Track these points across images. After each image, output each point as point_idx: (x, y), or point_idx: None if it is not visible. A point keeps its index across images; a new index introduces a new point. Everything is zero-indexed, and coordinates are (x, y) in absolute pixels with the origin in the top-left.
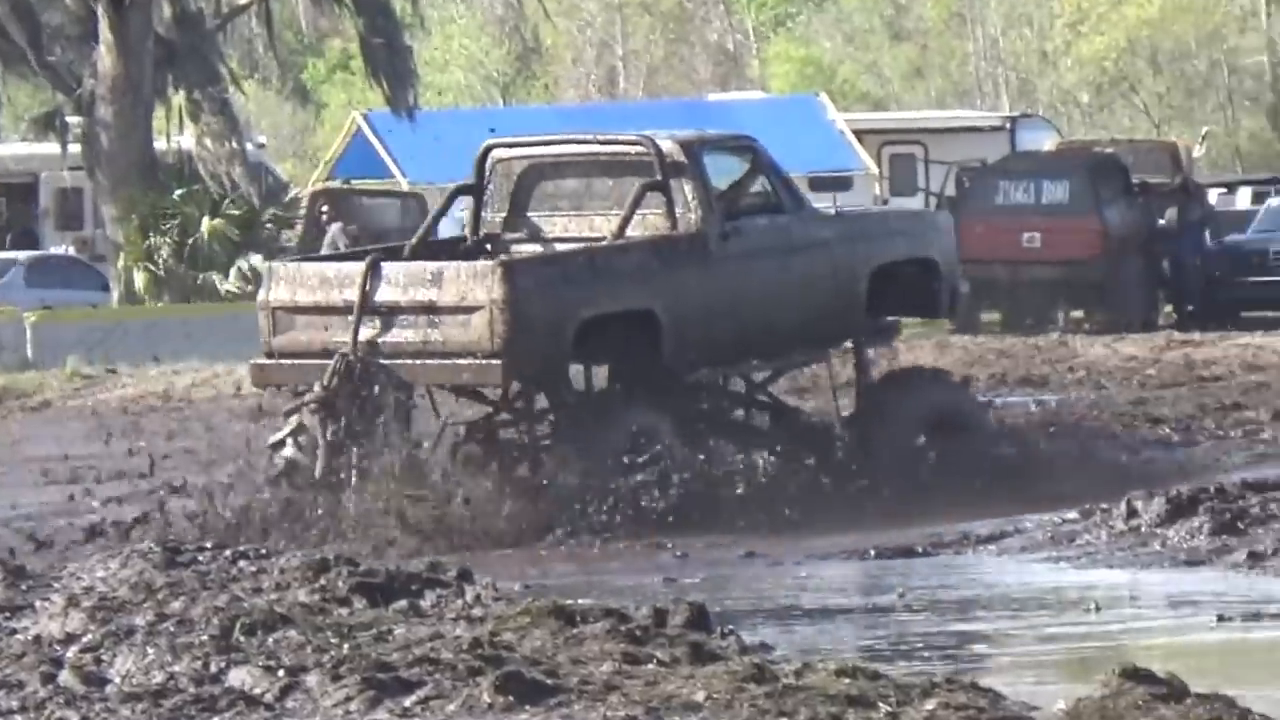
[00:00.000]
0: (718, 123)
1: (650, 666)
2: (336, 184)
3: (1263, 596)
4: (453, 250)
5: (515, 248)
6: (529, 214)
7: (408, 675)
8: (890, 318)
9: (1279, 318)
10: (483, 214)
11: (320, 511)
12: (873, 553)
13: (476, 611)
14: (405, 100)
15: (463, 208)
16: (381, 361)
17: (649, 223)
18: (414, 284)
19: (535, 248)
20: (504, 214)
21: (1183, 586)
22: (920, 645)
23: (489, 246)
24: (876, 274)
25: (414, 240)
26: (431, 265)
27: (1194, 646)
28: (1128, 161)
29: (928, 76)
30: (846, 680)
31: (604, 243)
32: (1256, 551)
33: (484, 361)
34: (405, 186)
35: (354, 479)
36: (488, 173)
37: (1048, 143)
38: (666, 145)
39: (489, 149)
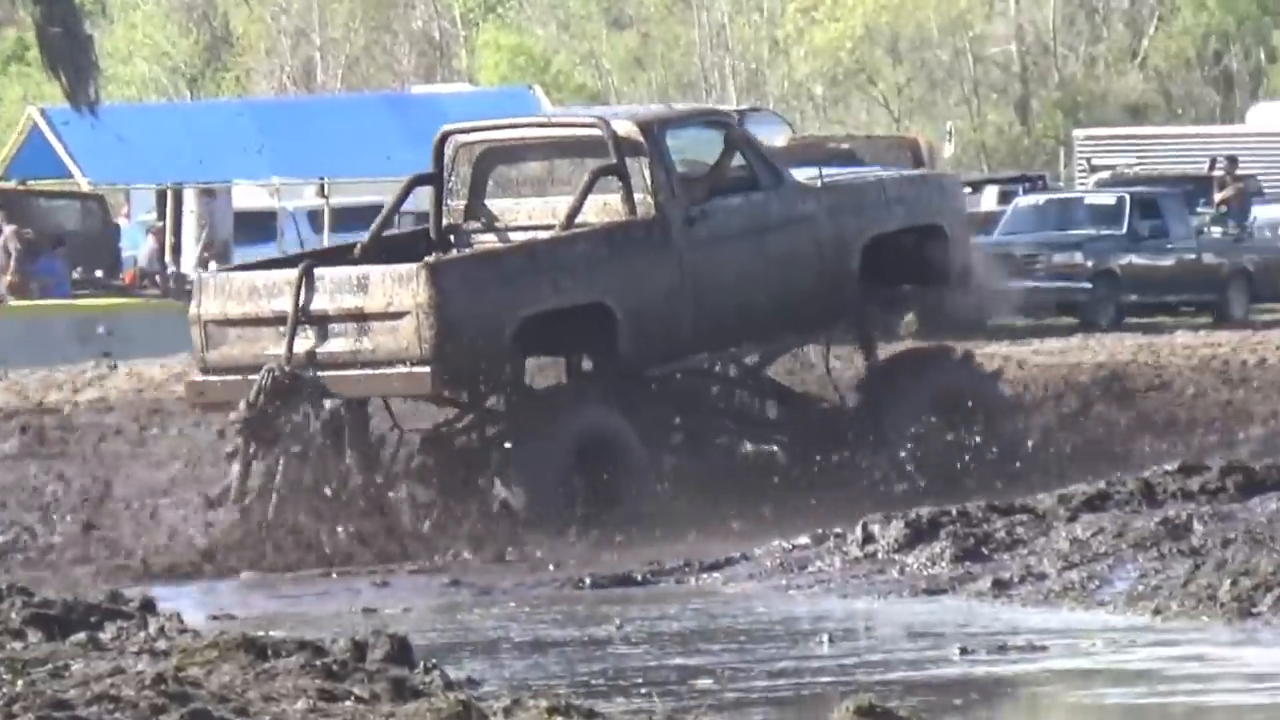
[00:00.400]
0: (422, 118)
1: (348, 704)
2: (10, 185)
3: (1008, 627)
4: (414, 246)
5: (478, 238)
6: (491, 201)
7: (86, 713)
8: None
9: (1028, 327)
10: (446, 203)
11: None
12: (588, 581)
13: (160, 645)
14: (85, 94)
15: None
16: (311, 374)
17: (609, 209)
18: (342, 291)
19: (497, 237)
20: (464, 203)
21: (923, 616)
22: (640, 680)
23: (452, 239)
24: (872, 246)
25: (367, 238)
26: (358, 270)
27: (935, 680)
28: (865, 158)
29: (649, 67)
30: (560, 718)
31: (548, 234)
32: (1001, 579)
33: (413, 369)
34: (86, 187)
35: (276, 498)
36: (447, 160)
37: (779, 139)
38: (622, 126)
39: (446, 134)
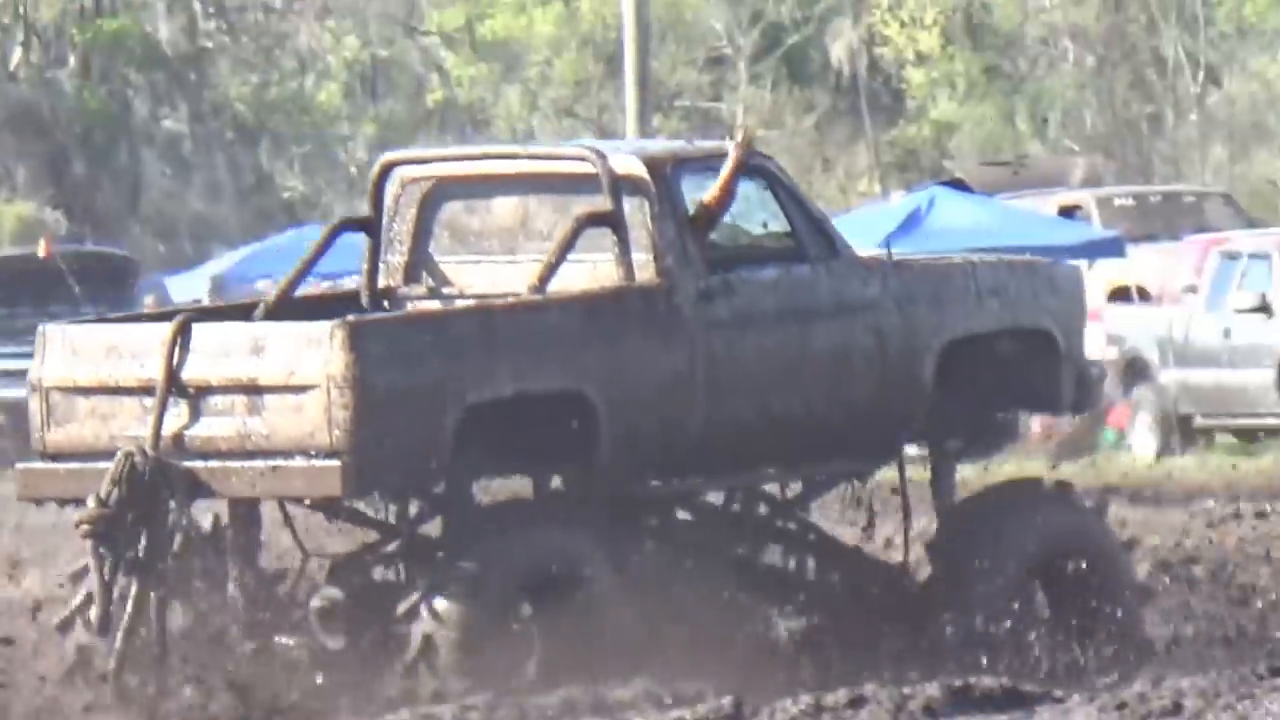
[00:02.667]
0: None
1: None
2: None
3: None
4: (334, 311)
5: (419, 305)
6: (441, 258)
7: None
8: (1003, 413)
9: None
10: (383, 258)
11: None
12: None
13: None
14: None
15: None
16: (183, 465)
17: (599, 273)
18: (230, 354)
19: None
20: (405, 258)
21: None
22: None
23: (386, 304)
24: (954, 350)
25: (273, 294)
26: (252, 328)
27: None
28: None
29: None
30: None
31: (507, 298)
32: None
33: (320, 463)
34: None
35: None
36: (388, 200)
37: None
38: (623, 162)
39: (389, 165)
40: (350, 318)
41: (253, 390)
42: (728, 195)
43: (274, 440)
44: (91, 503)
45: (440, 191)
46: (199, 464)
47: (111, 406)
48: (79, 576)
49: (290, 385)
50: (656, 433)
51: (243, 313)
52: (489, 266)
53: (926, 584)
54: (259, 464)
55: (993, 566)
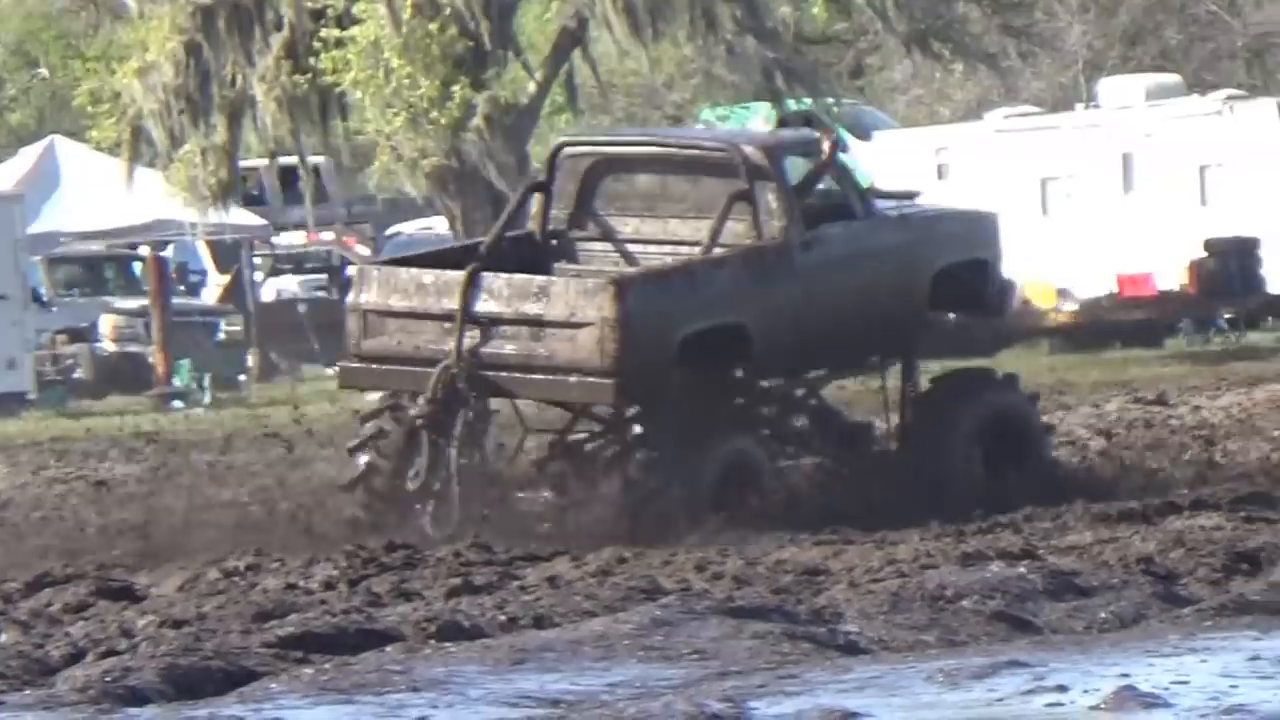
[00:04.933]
0: None
1: None
2: None
3: None
4: (521, 248)
5: (582, 245)
6: (599, 213)
7: None
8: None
9: None
10: (551, 211)
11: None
12: None
13: None
14: None
15: None
16: (483, 374)
17: (729, 230)
18: (519, 297)
19: (605, 247)
20: (569, 210)
21: None
22: None
23: (555, 243)
24: (938, 277)
25: (489, 239)
26: (539, 279)
27: None
28: None
29: None
30: None
31: (698, 256)
32: None
33: (595, 380)
34: None
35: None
36: (556, 169)
37: None
38: (750, 150)
39: (561, 145)
40: (614, 275)
41: (537, 323)
42: (822, 174)
43: (554, 360)
44: (422, 402)
45: (596, 163)
46: (497, 374)
47: (415, 327)
48: (369, 417)
49: (570, 322)
50: (783, 349)
51: (470, 252)
52: (634, 219)
53: (901, 440)
54: (548, 378)
55: (947, 430)
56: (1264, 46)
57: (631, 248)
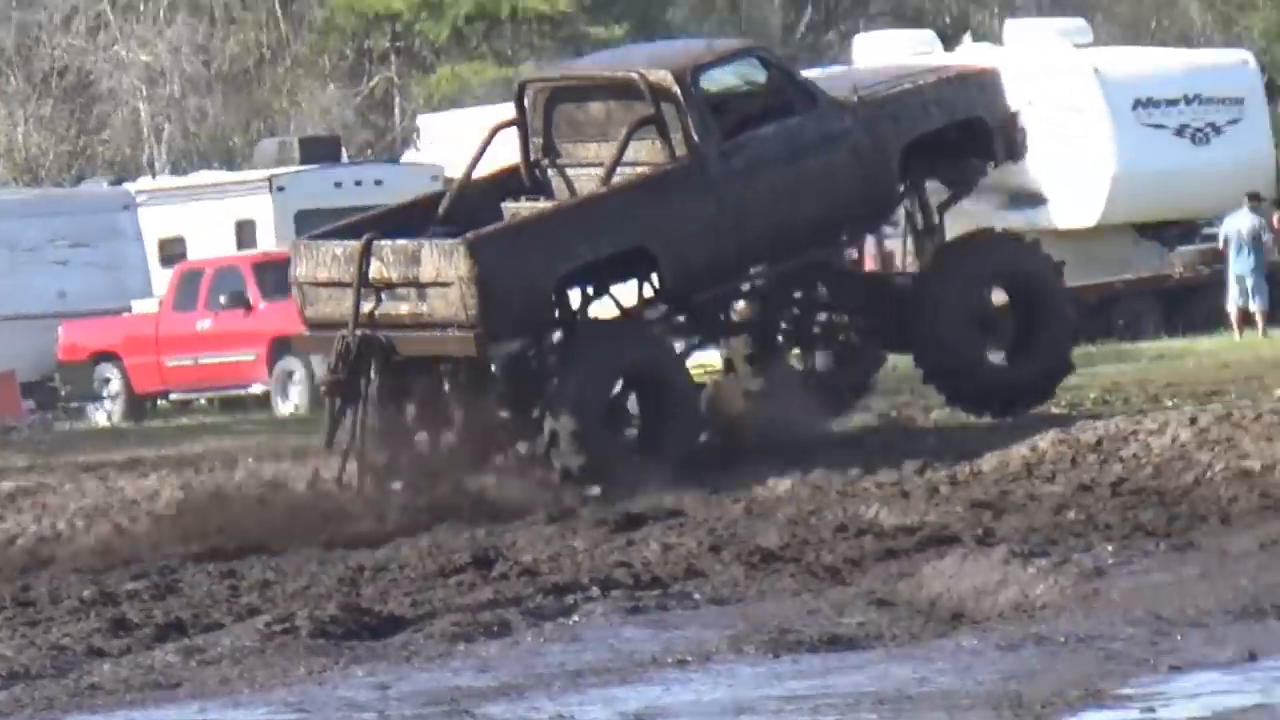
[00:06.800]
0: None
1: None
2: None
3: None
4: (505, 186)
5: (554, 176)
6: (566, 142)
7: None
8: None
9: None
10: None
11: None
12: None
13: None
14: None
15: None
16: (381, 336)
17: (646, 152)
18: (402, 263)
19: (576, 173)
20: (542, 141)
21: None
22: None
23: (536, 173)
24: (913, 146)
25: (456, 182)
26: (412, 245)
27: None
28: None
29: None
30: None
31: (579, 196)
32: None
33: (461, 334)
34: None
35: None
36: (527, 105)
37: None
38: (656, 75)
39: (524, 83)
40: (468, 235)
41: (417, 285)
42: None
43: (434, 318)
44: (324, 372)
45: (552, 95)
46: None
47: (340, 295)
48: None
49: (439, 282)
50: (701, 259)
51: (431, 203)
52: (593, 145)
53: (915, 282)
54: (425, 334)
55: (962, 275)
56: None
57: (594, 171)
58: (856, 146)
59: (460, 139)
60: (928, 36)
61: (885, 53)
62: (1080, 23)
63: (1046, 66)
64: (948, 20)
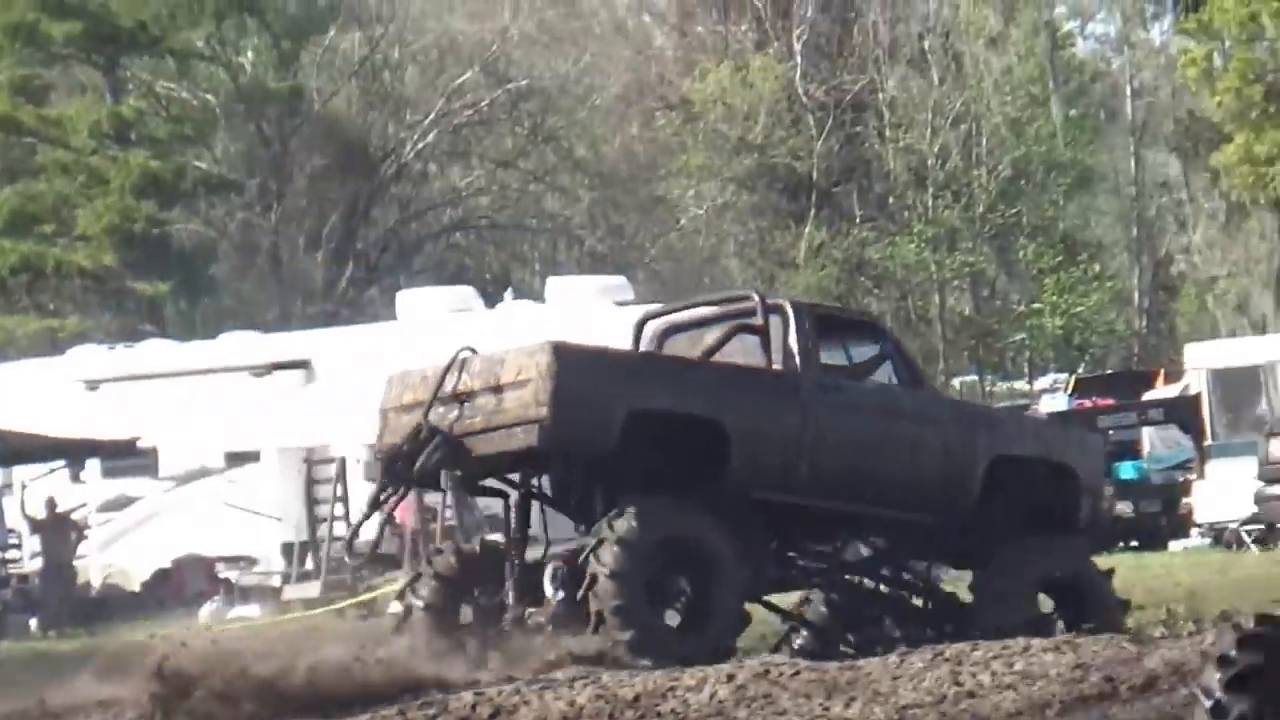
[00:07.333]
0: None
1: None
2: None
3: None
4: None
5: None
6: None
7: None
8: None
9: None
10: None
11: None
12: None
13: None
14: None
15: None
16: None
17: (746, 351)
18: (486, 370)
19: None
20: None
21: None
22: None
23: None
24: (997, 464)
25: None
26: (500, 351)
27: None
28: None
29: None
30: None
31: (675, 355)
32: None
33: (529, 424)
34: None
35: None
36: (644, 344)
37: None
38: (773, 299)
39: (643, 320)
40: (556, 341)
41: (497, 389)
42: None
43: (507, 417)
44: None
45: (667, 328)
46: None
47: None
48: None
49: (518, 380)
50: (773, 458)
51: None
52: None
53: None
54: (498, 433)
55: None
56: None
57: None
58: (947, 438)
59: (3, 391)
60: (468, 293)
61: (426, 309)
62: (621, 280)
63: (587, 324)
64: (487, 277)
